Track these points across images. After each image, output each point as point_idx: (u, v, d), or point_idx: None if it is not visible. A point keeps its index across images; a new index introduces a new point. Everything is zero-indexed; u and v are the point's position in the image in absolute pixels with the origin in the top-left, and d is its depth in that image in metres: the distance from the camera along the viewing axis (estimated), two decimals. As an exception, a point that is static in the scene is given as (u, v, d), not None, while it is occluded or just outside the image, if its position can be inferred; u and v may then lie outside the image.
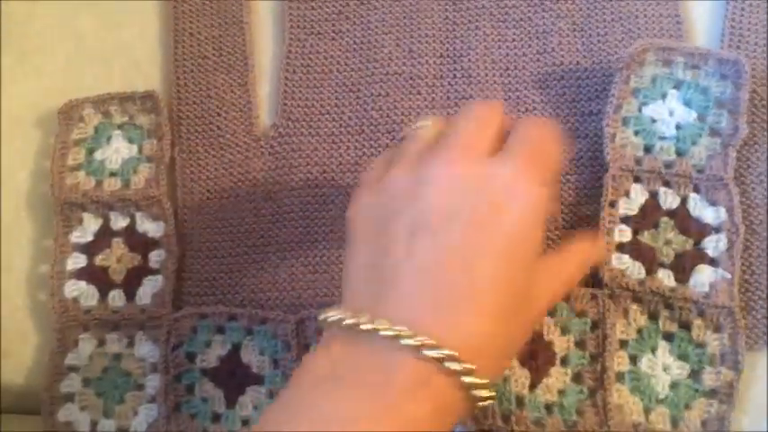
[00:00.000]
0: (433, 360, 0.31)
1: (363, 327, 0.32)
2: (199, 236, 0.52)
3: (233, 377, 0.48)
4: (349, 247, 0.38)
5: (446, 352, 0.31)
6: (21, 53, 0.57)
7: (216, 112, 0.54)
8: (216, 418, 0.48)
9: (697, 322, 0.46)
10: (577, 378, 0.46)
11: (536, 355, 0.45)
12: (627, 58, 0.49)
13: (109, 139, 0.54)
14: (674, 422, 0.45)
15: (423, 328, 0.32)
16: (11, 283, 0.53)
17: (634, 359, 0.46)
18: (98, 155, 0.53)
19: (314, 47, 0.55)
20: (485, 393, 0.33)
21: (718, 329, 0.46)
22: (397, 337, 0.32)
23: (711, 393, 0.45)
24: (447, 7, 0.54)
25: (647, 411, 0.45)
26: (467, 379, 0.32)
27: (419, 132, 0.40)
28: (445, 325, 0.32)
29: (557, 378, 0.45)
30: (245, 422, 0.48)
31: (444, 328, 0.32)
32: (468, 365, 0.32)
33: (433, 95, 0.53)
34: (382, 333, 0.32)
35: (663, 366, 0.46)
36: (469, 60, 0.53)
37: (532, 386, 0.45)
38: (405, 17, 0.54)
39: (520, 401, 0.44)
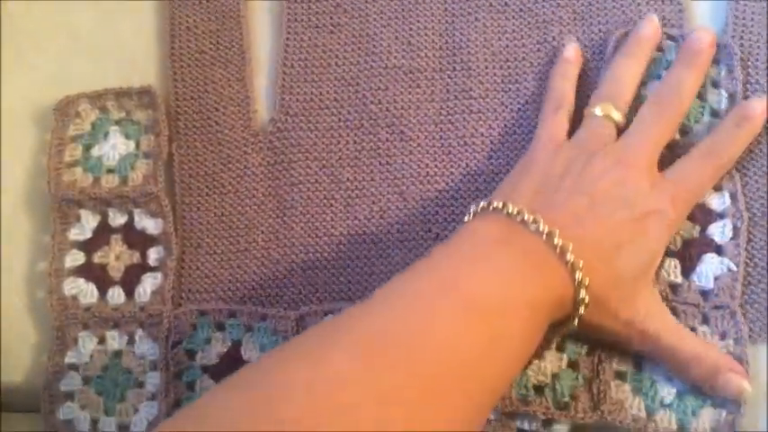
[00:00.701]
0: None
1: (526, 217, 0.41)
2: (198, 232, 0.52)
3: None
4: (528, 160, 0.47)
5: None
6: (17, 49, 0.56)
7: (214, 107, 0.53)
8: None
9: (702, 329, 0.45)
10: (573, 366, 0.45)
11: None
12: (615, 42, 0.50)
13: (106, 135, 0.53)
14: (682, 426, 0.44)
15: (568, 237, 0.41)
16: (9, 281, 0.53)
17: (638, 363, 0.46)
18: (95, 151, 0.53)
19: (312, 40, 0.54)
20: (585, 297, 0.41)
21: (723, 336, 0.45)
22: (551, 234, 0.40)
23: (719, 403, 0.44)
24: (446, -1, 0.54)
25: (649, 412, 0.45)
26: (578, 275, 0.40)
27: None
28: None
29: (551, 362, 0.45)
30: None
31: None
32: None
33: (433, 88, 0.53)
34: (540, 227, 0.40)
35: (667, 375, 0.45)
36: (469, 52, 0.53)
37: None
38: (403, 10, 0.54)
39: None
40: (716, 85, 0.49)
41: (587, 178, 0.44)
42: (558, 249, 0.40)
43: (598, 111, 0.48)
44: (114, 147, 0.53)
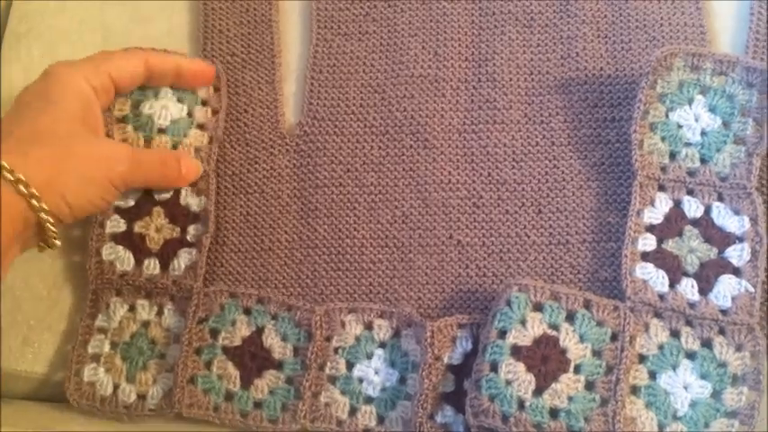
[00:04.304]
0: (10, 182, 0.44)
1: None
2: (223, 230, 0.53)
3: (253, 359, 0.49)
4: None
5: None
6: (50, 45, 0.57)
7: (243, 109, 0.54)
8: (229, 396, 0.49)
9: (718, 340, 0.46)
10: (590, 386, 0.45)
11: (546, 361, 0.45)
12: (654, 62, 0.49)
13: (157, 93, 0.53)
14: None
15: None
16: (33, 271, 0.53)
17: (653, 374, 0.46)
18: (145, 108, 0.53)
19: (340, 47, 0.55)
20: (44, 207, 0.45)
21: (739, 348, 0.46)
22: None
23: (732, 414, 0.45)
24: (473, 11, 0.55)
25: (661, 427, 0.45)
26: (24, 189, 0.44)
27: None
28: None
29: (567, 384, 0.45)
30: (258, 404, 0.48)
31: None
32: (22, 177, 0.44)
33: (458, 98, 0.54)
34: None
35: (684, 384, 0.46)
36: (494, 64, 0.54)
37: (538, 391, 0.45)
38: (431, 20, 0.55)
39: (521, 404, 0.44)
40: (744, 113, 0.49)
41: None
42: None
43: None
44: (165, 107, 0.53)
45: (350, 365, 0.48)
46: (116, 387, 0.49)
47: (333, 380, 0.48)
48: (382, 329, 0.49)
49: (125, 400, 0.49)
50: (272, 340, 0.49)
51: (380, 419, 0.48)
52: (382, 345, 0.49)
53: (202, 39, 0.56)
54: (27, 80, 0.56)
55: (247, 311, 0.50)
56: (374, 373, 0.48)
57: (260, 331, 0.49)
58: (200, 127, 0.53)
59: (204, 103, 0.53)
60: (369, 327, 0.49)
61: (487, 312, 0.47)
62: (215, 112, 0.53)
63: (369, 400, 0.48)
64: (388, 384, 0.48)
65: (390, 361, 0.48)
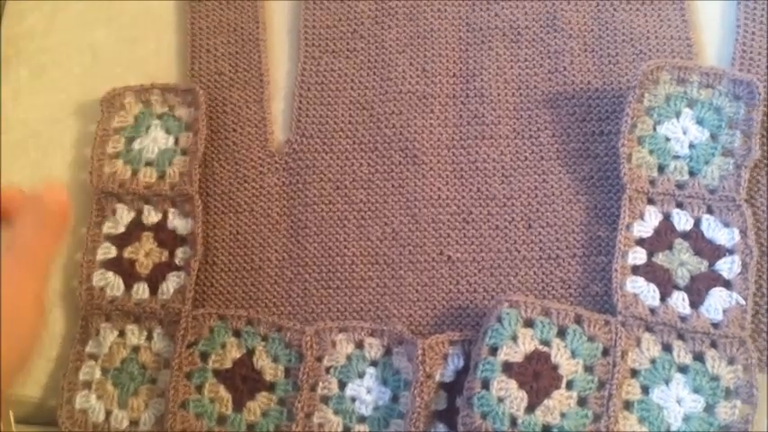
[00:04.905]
0: None
1: None
2: (213, 249, 0.52)
3: (244, 381, 0.49)
4: None
5: None
6: (39, 66, 0.57)
7: (232, 128, 0.54)
8: (221, 420, 0.48)
9: (710, 353, 0.46)
10: (583, 402, 0.45)
11: (538, 377, 0.45)
12: (641, 76, 0.50)
13: (148, 128, 0.54)
14: None
15: None
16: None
17: (646, 389, 0.46)
18: (136, 144, 0.54)
19: (328, 65, 0.55)
20: None
21: (732, 362, 0.46)
22: None
23: (726, 428, 0.45)
24: (460, 27, 0.55)
25: None
26: None
27: None
28: None
29: (559, 401, 0.45)
30: (251, 427, 0.48)
31: None
32: None
33: (446, 114, 0.54)
34: None
35: (676, 399, 0.45)
36: (482, 80, 0.54)
37: (531, 408, 0.45)
38: (419, 37, 0.55)
39: (513, 422, 0.44)
40: (732, 125, 0.49)
41: None
42: None
43: None
44: (155, 140, 0.54)
45: (342, 385, 0.48)
46: (108, 414, 0.49)
47: (325, 400, 0.48)
48: (373, 348, 0.48)
49: (117, 426, 0.49)
50: (262, 362, 0.49)
51: None
52: (374, 363, 0.48)
53: (190, 58, 0.56)
54: (16, 102, 0.57)
55: (237, 333, 0.50)
56: (366, 391, 0.48)
57: (250, 353, 0.49)
58: (184, 152, 0.53)
59: (188, 128, 0.54)
60: (360, 345, 0.49)
61: (479, 329, 0.47)
62: (196, 133, 0.53)
63: (362, 419, 0.48)
64: (380, 403, 0.48)
65: (382, 379, 0.48)
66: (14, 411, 0.52)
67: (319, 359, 0.49)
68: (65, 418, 0.49)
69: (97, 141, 0.53)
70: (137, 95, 0.54)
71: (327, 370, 0.48)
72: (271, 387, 0.49)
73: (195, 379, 0.49)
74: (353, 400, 0.48)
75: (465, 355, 0.47)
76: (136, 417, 0.49)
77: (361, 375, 0.48)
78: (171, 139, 0.54)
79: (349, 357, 0.49)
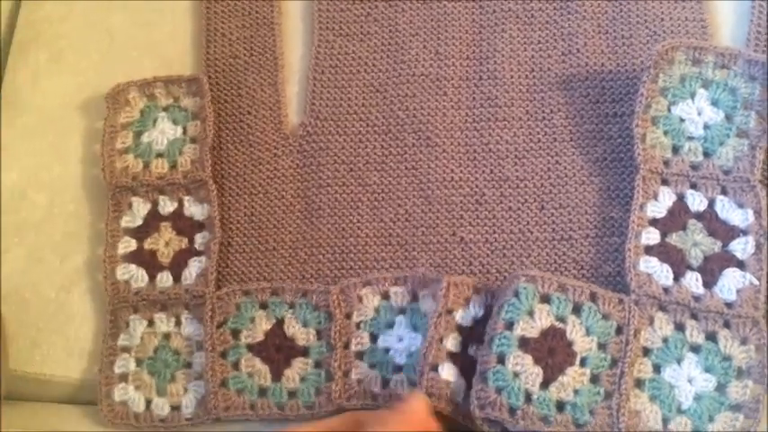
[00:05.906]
0: None
1: None
2: (228, 231, 0.53)
3: (278, 351, 0.49)
4: None
5: None
6: (57, 51, 0.58)
7: (246, 111, 0.55)
8: (262, 392, 0.49)
9: (723, 333, 0.46)
10: (595, 380, 0.45)
11: (553, 353, 0.45)
12: (656, 56, 0.49)
13: (155, 121, 0.55)
14: None
15: None
16: (41, 274, 0.54)
17: (657, 368, 0.46)
18: (145, 137, 0.54)
19: (342, 48, 0.56)
20: None
21: (744, 342, 0.45)
22: None
23: (737, 407, 0.45)
24: (474, 10, 0.55)
25: (665, 421, 0.45)
26: None
27: None
28: None
29: (573, 377, 0.45)
30: (292, 394, 0.49)
31: None
32: None
33: (459, 96, 0.54)
34: None
35: (688, 378, 0.45)
36: (495, 62, 0.54)
37: (545, 384, 0.45)
38: (432, 20, 0.55)
39: (528, 397, 0.44)
40: (747, 106, 0.49)
41: None
42: None
43: None
44: (163, 132, 0.54)
45: (374, 338, 0.49)
46: (149, 402, 0.50)
47: (360, 355, 0.49)
48: (399, 296, 0.49)
49: (160, 413, 0.50)
50: (293, 329, 0.50)
51: (412, 386, 0.47)
52: (402, 311, 0.49)
53: (205, 42, 0.56)
54: (34, 86, 0.57)
55: (264, 306, 0.50)
56: (398, 340, 0.48)
57: (280, 322, 0.50)
58: (194, 141, 0.54)
59: (195, 117, 0.54)
60: (385, 296, 0.49)
61: (498, 291, 0.47)
62: (203, 120, 0.54)
63: (398, 368, 0.48)
64: (413, 349, 0.48)
65: (412, 326, 0.48)
66: (30, 389, 0.53)
67: (348, 316, 0.49)
68: (106, 412, 0.50)
69: (105, 138, 0.54)
70: (140, 90, 0.55)
71: (358, 325, 0.49)
72: (305, 352, 0.49)
73: (230, 357, 0.50)
74: (387, 350, 0.48)
75: (485, 307, 0.47)
76: (176, 402, 0.50)
77: (390, 325, 0.49)
78: (179, 130, 0.54)
79: (377, 309, 0.49)
